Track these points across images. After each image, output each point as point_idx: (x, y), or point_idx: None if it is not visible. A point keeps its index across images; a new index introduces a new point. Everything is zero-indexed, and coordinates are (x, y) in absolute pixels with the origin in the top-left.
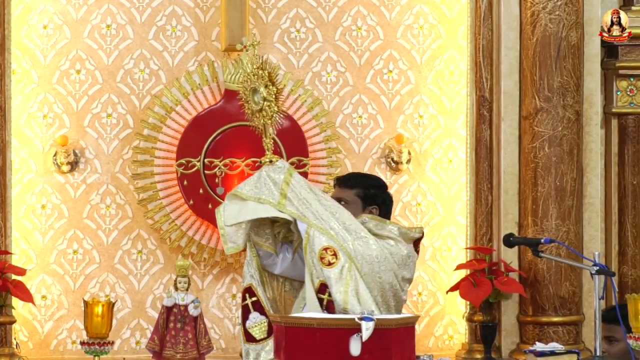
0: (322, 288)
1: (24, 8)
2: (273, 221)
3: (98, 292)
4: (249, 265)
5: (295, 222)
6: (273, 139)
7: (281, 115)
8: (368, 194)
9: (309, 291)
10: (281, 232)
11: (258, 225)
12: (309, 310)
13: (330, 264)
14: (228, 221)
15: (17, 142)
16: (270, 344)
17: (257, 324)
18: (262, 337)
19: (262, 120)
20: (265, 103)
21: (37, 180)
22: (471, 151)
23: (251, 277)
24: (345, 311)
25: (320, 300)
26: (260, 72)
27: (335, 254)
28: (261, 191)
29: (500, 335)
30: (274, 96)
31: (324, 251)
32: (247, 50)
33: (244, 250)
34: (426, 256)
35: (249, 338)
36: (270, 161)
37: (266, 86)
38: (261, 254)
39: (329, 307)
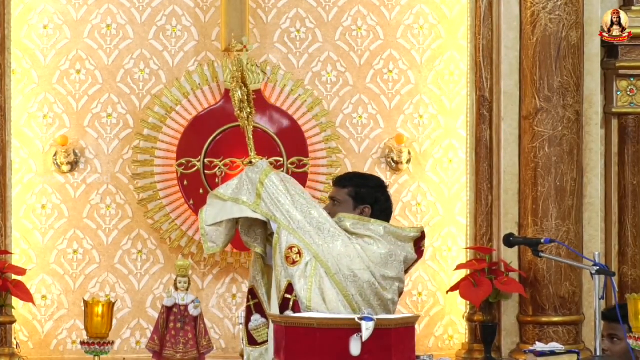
0: (290, 288)
1: (24, 8)
2: (266, 223)
3: (98, 292)
4: (253, 267)
5: (268, 222)
6: (273, 138)
7: (253, 117)
8: (359, 193)
9: (274, 292)
10: None
11: (249, 225)
12: (272, 310)
13: (294, 262)
14: (208, 221)
15: (17, 142)
16: (267, 347)
17: (258, 326)
18: (263, 340)
19: (242, 122)
20: (241, 104)
21: (37, 180)
22: (471, 151)
23: (253, 279)
24: (308, 309)
25: (287, 300)
26: (238, 74)
27: (299, 253)
28: (240, 192)
29: (500, 335)
30: (246, 97)
31: (289, 250)
32: (247, 50)
33: (248, 250)
34: (426, 256)
35: (251, 341)
36: (251, 162)
37: (241, 88)
38: (265, 255)
39: (295, 307)
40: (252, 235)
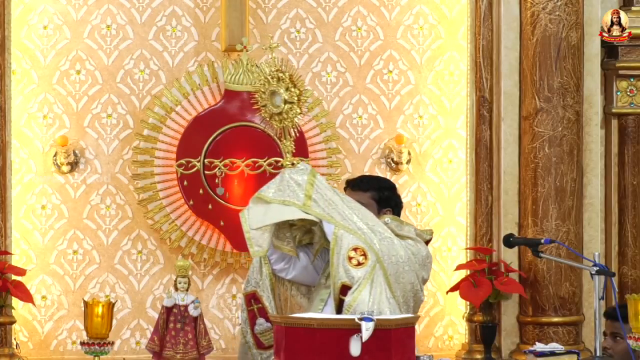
0: (344, 289)
1: (24, 8)
2: (291, 224)
3: (98, 293)
4: (256, 271)
5: (321, 223)
6: (272, 139)
7: (302, 117)
8: (382, 197)
9: (332, 294)
10: (297, 235)
11: (278, 228)
12: (330, 312)
13: (359, 264)
14: (253, 224)
15: (17, 143)
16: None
17: (264, 330)
18: (270, 344)
19: (282, 123)
20: (286, 106)
21: (37, 181)
22: (471, 151)
23: (256, 284)
24: (349, 308)
25: (342, 302)
26: (280, 74)
27: (364, 254)
28: (285, 193)
29: (500, 335)
30: (296, 98)
31: (352, 251)
32: (247, 51)
33: (248, 250)
34: None
35: (259, 345)
36: (292, 164)
37: (287, 89)
38: (272, 260)
39: None
40: (282, 237)
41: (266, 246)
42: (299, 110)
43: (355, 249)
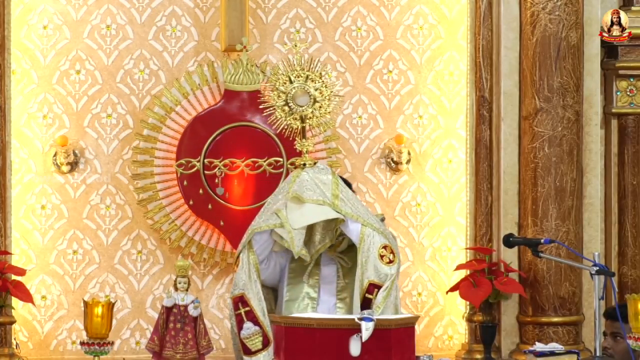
0: (371, 288)
1: (24, 8)
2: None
3: (98, 293)
4: (245, 274)
5: (345, 222)
6: (272, 139)
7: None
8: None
9: (356, 293)
10: None
11: None
12: (354, 311)
13: (390, 261)
14: (295, 224)
15: (17, 143)
16: (265, 355)
17: (250, 335)
18: (256, 349)
19: (305, 122)
20: (316, 105)
21: (37, 181)
22: (471, 151)
23: (244, 286)
24: (380, 306)
25: (368, 300)
26: (309, 73)
27: (393, 252)
28: (315, 193)
29: (500, 335)
30: (327, 97)
31: (383, 249)
32: (246, 51)
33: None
34: (426, 256)
35: (246, 350)
36: (315, 163)
37: (316, 88)
38: (259, 259)
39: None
40: None
41: (301, 246)
42: (329, 109)
43: (384, 247)
